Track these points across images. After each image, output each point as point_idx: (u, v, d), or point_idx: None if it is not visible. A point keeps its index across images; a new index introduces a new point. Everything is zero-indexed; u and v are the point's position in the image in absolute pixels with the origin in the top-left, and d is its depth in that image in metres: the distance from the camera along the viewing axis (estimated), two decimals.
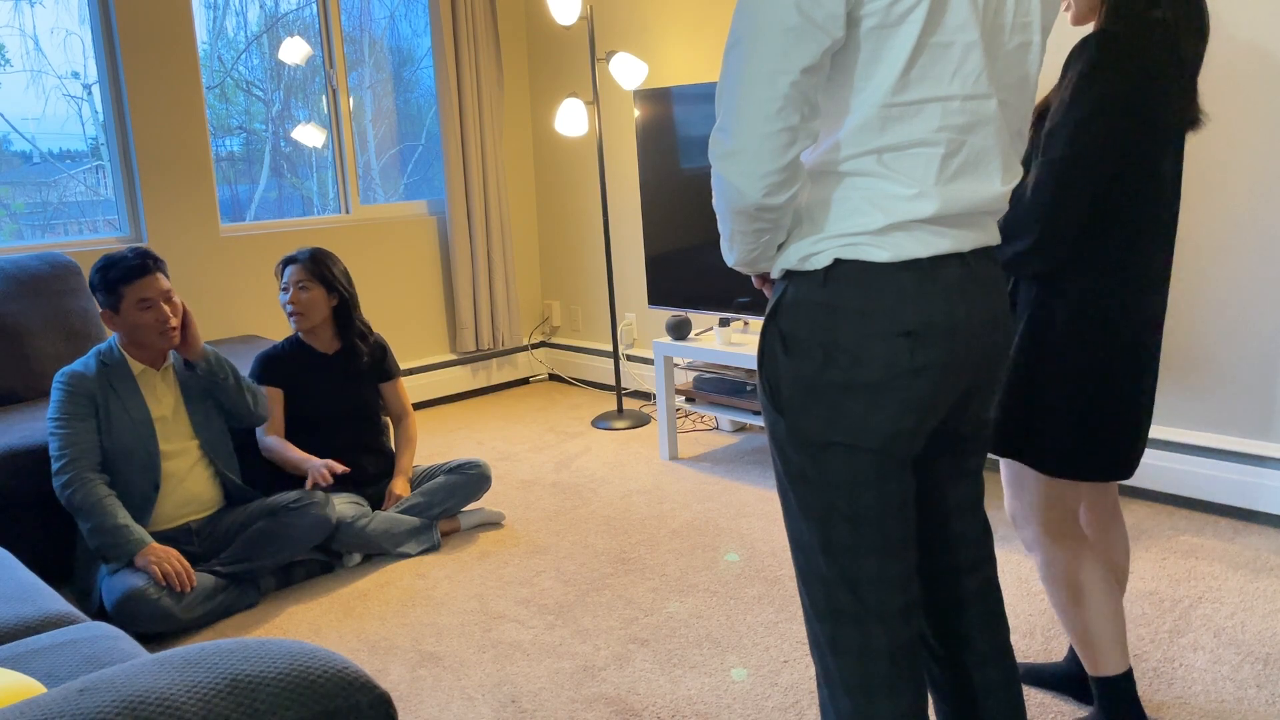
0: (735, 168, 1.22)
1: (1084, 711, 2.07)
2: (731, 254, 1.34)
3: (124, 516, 2.60)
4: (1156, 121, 1.63)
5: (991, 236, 1.32)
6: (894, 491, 1.31)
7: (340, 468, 2.97)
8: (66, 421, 2.63)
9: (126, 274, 2.65)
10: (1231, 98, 2.86)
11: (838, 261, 1.25)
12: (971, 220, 1.28)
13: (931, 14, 1.18)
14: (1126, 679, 1.87)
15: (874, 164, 1.23)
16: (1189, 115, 1.69)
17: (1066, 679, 2.11)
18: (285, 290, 3.14)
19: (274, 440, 3.07)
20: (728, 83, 1.21)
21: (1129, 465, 1.78)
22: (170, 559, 2.58)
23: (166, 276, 2.73)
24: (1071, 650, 2.12)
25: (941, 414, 1.32)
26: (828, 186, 1.26)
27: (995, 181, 1.28)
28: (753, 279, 1.46)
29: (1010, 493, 1.87)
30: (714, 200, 1.29)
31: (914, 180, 1.23)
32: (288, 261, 3.16)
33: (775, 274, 1.35)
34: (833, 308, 1.26)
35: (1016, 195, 1.66)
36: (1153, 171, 1.66)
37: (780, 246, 1.32)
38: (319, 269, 3.13)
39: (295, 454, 3.03)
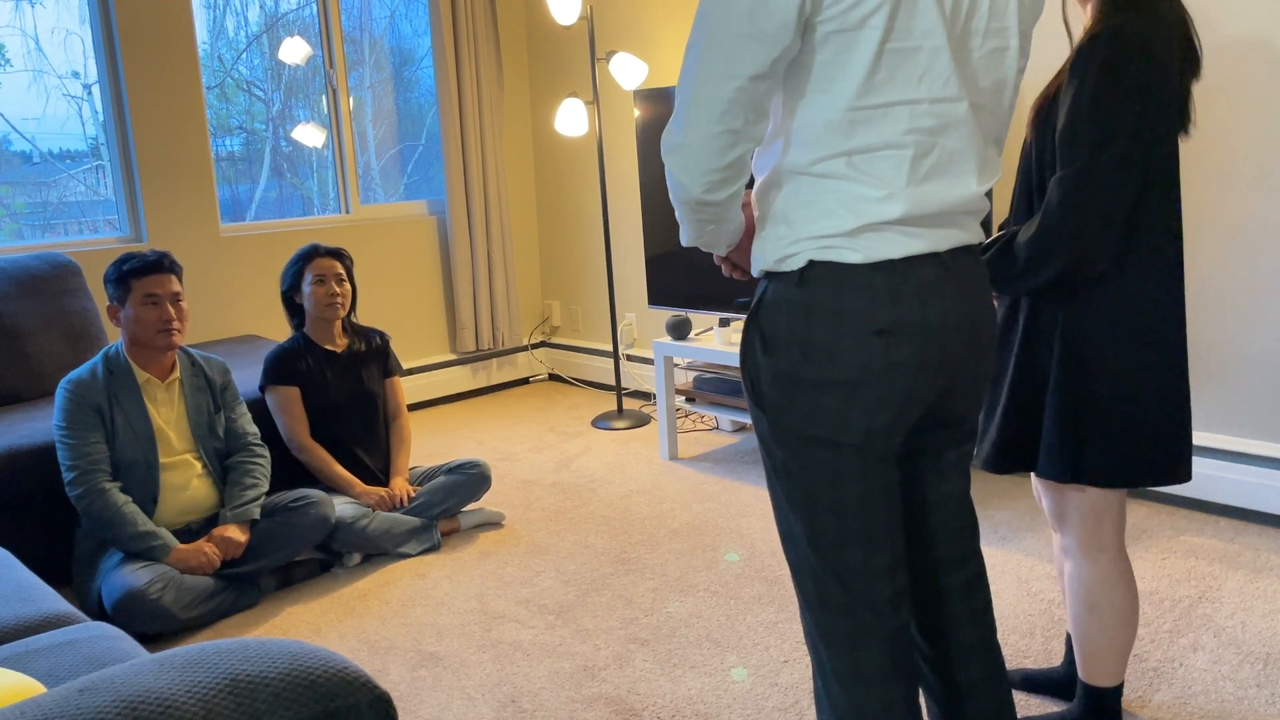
0: (679, 162, 1.27)
1: (1060, 706, 2.06)
2: (683, 235, 1.40)
3: (144, 523, 2.64)
4: (1171, 113, 1.62)
5: (972, 235, 1.35)
6: (876, 484, 1.33)
7: (401, 495, 3.11)
8: (74, 431, 2.63)
9: (140, 268, 2.71)
10: (1234, 95, 2.86)
11: (812, 263, 1.28)
12: (948, 220, 1.30)
13: (893, 18, 1.19)
14: (1115, 692, 1.87)
15: (844, 167, 1.25)
16: (1184, 117, 1.68)
17: (1066, 683, 2.11)
18: (320, 281, 3.12)
19: (310, 445, 3.10)
20: (682, 81, 1.25)
21: (1187, 465, 1.74)
22: (195, 556, 2.64)
23: (180, 282, 2.77)
24: (1068, 656, 2.11)
25: (919, 410, 1.34)
26: (800, 188, 1.28)
27: (970, 183, 1.30)
28: (715, 259, 1.50)
29: (1047, 502, 1.85)
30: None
31: (884, 183, 1.25)
32: (321, 254, 3.14)
33: (755, 273, 1.39)
34: (808, 307, 1.29)
35: (1042, 211, 1.62)
36: (1172, 166, 1.65)
37: (757, 245, 1.35)
38: (348, 265, 3.19)
39: (341, 472, 3.09)
